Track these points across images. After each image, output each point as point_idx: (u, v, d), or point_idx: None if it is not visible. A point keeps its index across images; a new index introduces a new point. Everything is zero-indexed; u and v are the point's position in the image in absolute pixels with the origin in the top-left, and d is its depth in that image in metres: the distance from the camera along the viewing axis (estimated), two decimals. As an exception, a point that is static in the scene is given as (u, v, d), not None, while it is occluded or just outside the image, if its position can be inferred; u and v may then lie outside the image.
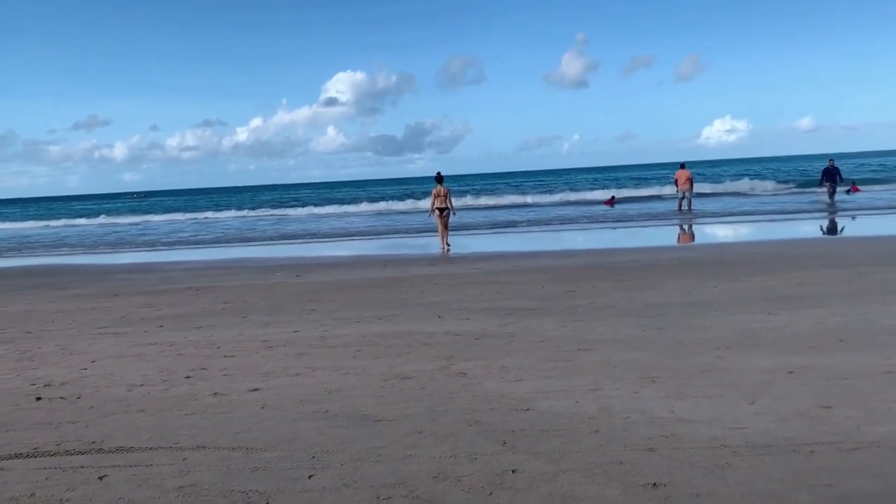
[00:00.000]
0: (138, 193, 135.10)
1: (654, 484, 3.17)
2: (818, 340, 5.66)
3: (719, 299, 7.70)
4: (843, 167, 32.05)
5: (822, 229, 17.82)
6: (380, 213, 35.80)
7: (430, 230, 20.04)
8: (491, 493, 3.17)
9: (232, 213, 43.41)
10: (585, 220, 24.23)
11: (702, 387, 4.58)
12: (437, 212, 16.15)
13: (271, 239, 23.01)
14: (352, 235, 23.22)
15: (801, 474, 3.21)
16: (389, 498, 3.17)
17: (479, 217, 27.68)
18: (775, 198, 31.13)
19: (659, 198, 33.80)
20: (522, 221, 25.00)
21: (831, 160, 24.69)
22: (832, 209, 22.70)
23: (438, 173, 16.21)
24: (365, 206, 40.55)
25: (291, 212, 40.96)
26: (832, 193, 24.47)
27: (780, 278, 8.92)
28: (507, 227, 23.12)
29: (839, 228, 17.87)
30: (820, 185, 25.45)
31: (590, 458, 3.50)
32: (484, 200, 38.56)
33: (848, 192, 29.23)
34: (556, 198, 39.14)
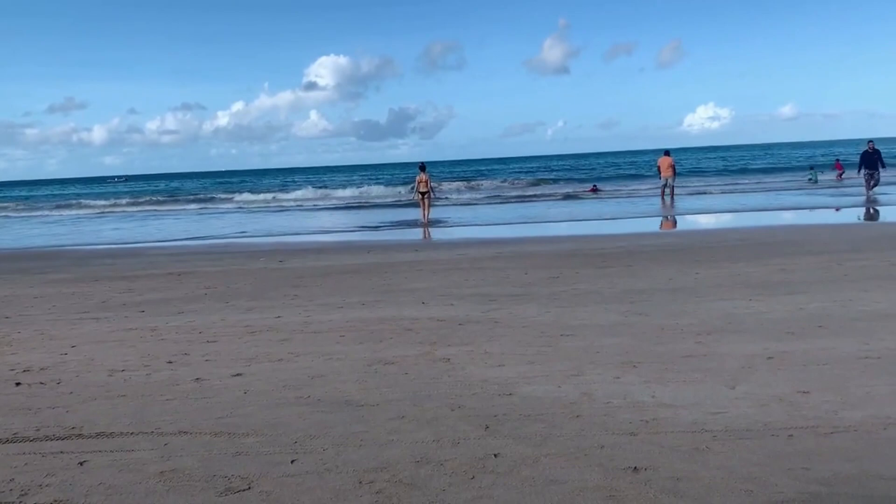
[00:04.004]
0: (119, 177, 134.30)
1: (635, 468, 3.20)
2: (797, 326, 5.73)
3: (701, 285, 7.76)
4: (827, 155, 30.72)
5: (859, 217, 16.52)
6: (365, 202, 35.50)
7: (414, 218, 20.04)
8: (473, 478, 3.19)
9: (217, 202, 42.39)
10: (570, 207, 24.29)
11: (682, 372, 4.63)
12: (419, 195, 20.07)
13: (257, 233, 22.83)
14: (336, 220, 23.11)
15: (780, 458, 3.25)
16: (372, 482, 3.18)
17: (466, 208, 27.61)
18: (783, 188, 30.53)
19: (641, 186, 33.94)
20: (509, 210, 24.98)
21: (870, 142, 20.87)
22: (869, 201, 19.67)
23: (422, 163, 20.45)
24: (350, 192, 40.25)
25: (273, 196, 40.42)
26: (871, 182, 20.73)
27: (761, 265, 9.00)
28: (494, 215, 23.10)
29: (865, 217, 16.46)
30: (858, 172, 21.42)
31: (571, 443, 3.52)
32: (470, 195, 37.86)
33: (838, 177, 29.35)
34: (542, 186, 39.18)
